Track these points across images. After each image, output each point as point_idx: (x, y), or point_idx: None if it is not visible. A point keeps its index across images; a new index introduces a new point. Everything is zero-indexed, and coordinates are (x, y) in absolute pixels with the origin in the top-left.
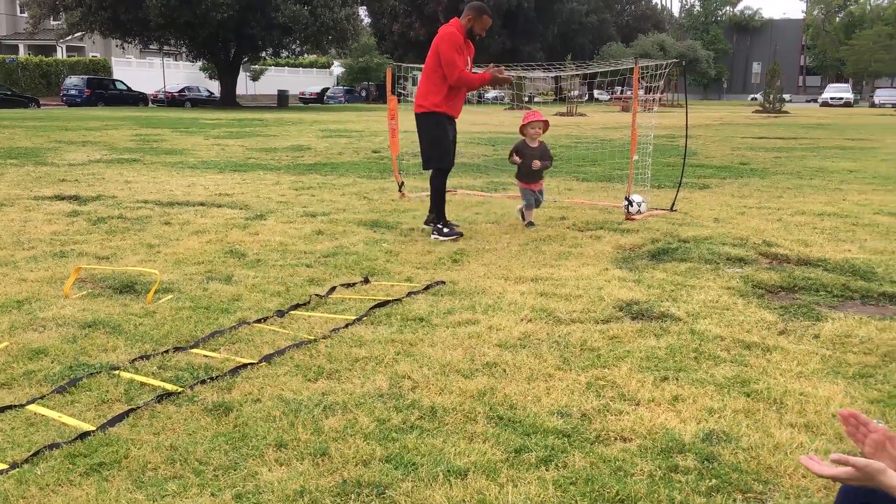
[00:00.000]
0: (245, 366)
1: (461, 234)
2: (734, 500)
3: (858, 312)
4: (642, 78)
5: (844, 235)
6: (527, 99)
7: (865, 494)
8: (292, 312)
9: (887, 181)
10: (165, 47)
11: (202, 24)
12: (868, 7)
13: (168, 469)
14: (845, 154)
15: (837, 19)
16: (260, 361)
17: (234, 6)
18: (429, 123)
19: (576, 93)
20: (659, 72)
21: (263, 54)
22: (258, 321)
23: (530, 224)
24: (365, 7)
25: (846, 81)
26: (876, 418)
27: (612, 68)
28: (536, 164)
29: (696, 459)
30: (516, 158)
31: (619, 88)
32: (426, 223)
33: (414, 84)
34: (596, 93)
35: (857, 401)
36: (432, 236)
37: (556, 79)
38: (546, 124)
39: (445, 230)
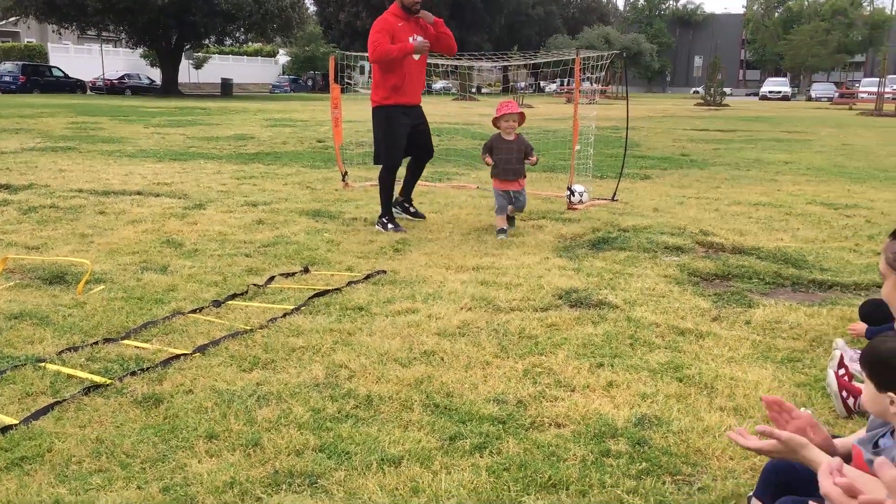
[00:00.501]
0: (178, 357)
1: (404, 231)
2: (663, 483)
3: (789, 299)
4: (584, 69)
5: (778, 225)
6: (474, 90)
7: (788, 472)
8: (229, 303)
9: (820, 172)
10: (104, 33)
11: (142, 10)
12: (805, 3)
13: (93, 462)
14: (781, 146)
15: (776, 15)
16: (193, 352)
17: None
18: (378, 118)
19: (522, 84)
20: (601, 63)
21: (206, 42)
22: (193, 311)
23: (502, 232)
24: None
25: (784, 75)
26: (803, 406)
27: (554, 59)
28: (532, 161)
29: (627, 444)
30: (488, 160)
31: (566, 80)
32: (394, 205)
33: (361, 73)
34: (543, 84)
35: (784, 384)
36: (375, 226)
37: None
38: (522, 116)
39: (390, 225)
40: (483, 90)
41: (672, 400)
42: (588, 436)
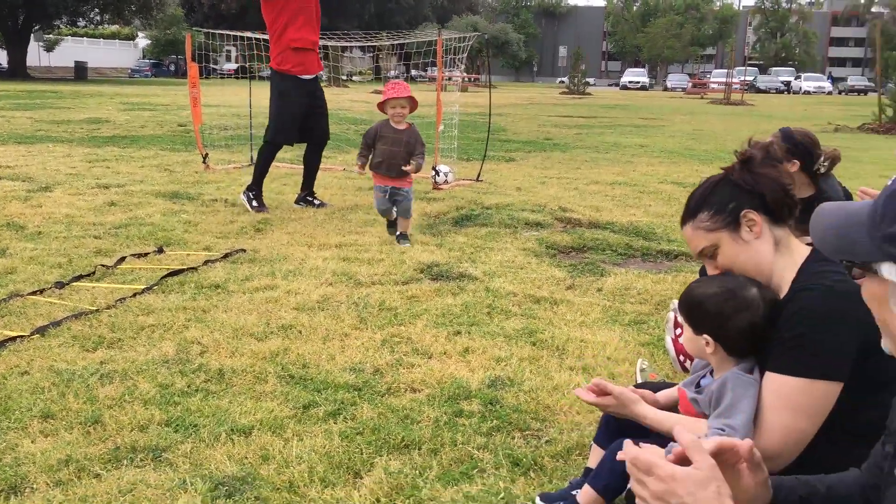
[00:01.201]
0: (14, 339)
1: (266, 211)
2: (513, 438)
3: (638, 268)
4: (448, 52)
5: (632, 202)
6: (345, 77)
7: (620, 419)
8: (74, 284)
9: (672, 155)
10: None
11: None
12: None
13: None
14: (638, 131)
15: (634, 8)
16: (32, 334)
17: None
18: (273, 86)
19: (393, 73)
20: (464, 44)
21: (58, 23)
22: (33, 293)
23: (402, 238)
24: None
25: (643, 67)
26: (643, 360)
27: (418, 39)
28: (411, 168)
29: (480, 404)
30: (360, 168)
31: (430, 67)
32: (297, 202)
33: (228, 60)
34: (414, 72)
35: (629, 344)
36: (241, 197)
37: (375, 58)
38: (413, 102)
39: (254, 203)
40: (354, 77)
41: (525, 362)
42: (442, 399)
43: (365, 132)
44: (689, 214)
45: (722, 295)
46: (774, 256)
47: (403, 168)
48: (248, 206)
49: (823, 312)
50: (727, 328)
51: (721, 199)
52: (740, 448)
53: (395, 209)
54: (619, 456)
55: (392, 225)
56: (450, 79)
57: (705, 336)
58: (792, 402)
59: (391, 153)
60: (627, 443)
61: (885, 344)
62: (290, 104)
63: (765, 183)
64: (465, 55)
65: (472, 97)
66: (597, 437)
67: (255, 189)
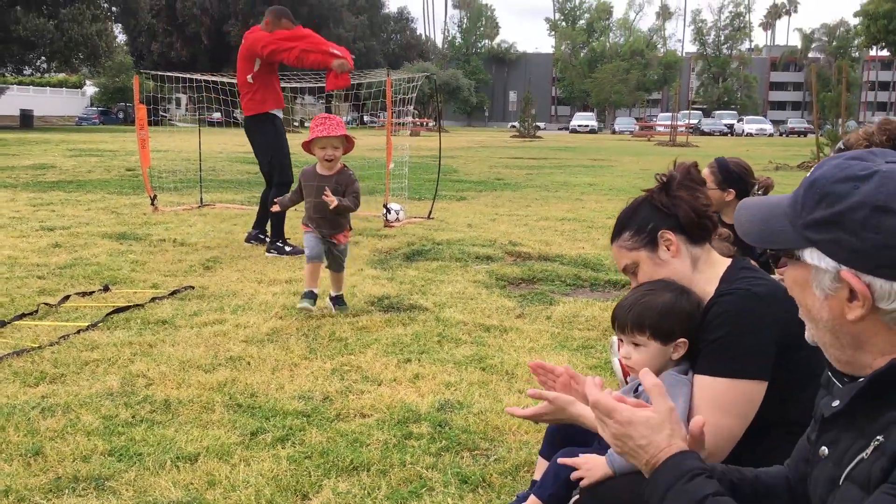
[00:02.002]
0: None
1: (302, 252)
2: (462, 458)
3: (587, 297)
4: (396, 94)
5: (581, 236)
6: (297, 123)
7: (567, 428)
8: (16, 323)
9: (620, 192)
10: None
11: None
12: (607, 44)
13: None
14: (587, 171)
15: (582, 55)
16: None
17: None
18: (263, 125)
19: (346, 118)
20: (412, 84)
21: (2, 71)
22: None
23: (308, 296)
24: (120, 24)
25: (592, 111)
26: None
27: (367, 80)
28: (331, 199)
29: (429, 426)
30: (285, 199)
31: (379, 112)
32: (247, 240)
33: (177, 107)
34: (366, 118)
35: (577, 367)
36: (268, 254)
37: (327, 102)
38: (349, 142)
39: (287, 248)
40: (306, 124)
41: (475, 387)
42: (392, 422)
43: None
44: (615, 234)
45: (678, 296)
46: (693, 274)
47: (324, 200)
48: (281, 254)
49: (742, 314)
50: (696, 322)
51: (642, 220)
52: (693, 425)
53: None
54: (563, 461)
55: (310, 296)
56: (402, 124)
57: (680, 340)
58: (718, 402)
59: (317, 206)
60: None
61: (808, 333)
62: (284, 137)
63: (679, 205)
64: (414, 96)
65: (424, 141)
66: (542, 450)
67: (280, 238)
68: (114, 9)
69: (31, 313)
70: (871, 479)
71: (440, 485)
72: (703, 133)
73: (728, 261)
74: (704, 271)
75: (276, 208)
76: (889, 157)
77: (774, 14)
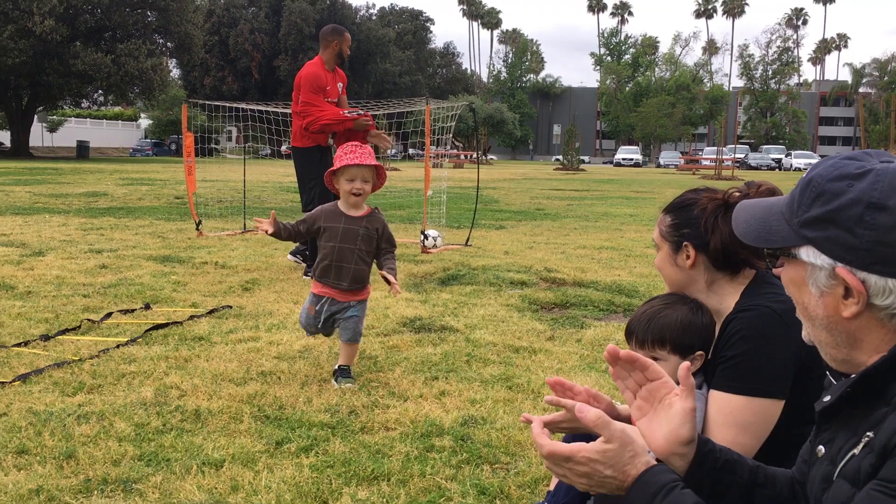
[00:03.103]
0: None
1: None
2: (482, 470)
3: (619, 322)
4: (435, 122)
5: (617, 264)
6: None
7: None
8: (60, 337)
9: None
10: None
11: None
12: (653, 79)
13: None
14: (629, 202)
15: (627, 89)
16: (14, 380)
17: (28, 51)
18: (310, 157)
19: (392, 151)
20: (451, 114)
21: (62, 104)
22: (17, 345)
23: (341, 374)
24: (174, 59)
25: (636, 144)
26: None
27: (407, 109)
28: (396, 288)
29: (452, 440)
30: (283, 225)
31: (435, 148)
32: (291, 253)
33: (228, 139)
34: (412, 151)
35: (604, 388)
36: (305, 276)
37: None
38: (381, 172)
39: None
40: None
41: (500, 404)
42: (415, 436)
43: (313, 211)
44: (666, 208)
45: (695, 310)
46: (707, 292)
47: (392, 293)
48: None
49: (762, 331)
50: (712, 336)
51: (682, 219)
52: (680, 370)
53: (326, 327)
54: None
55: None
56: (445, 156)
57: (698, 353)
58: (734, 419)
59: (341, 253)
60: (539, 437)
61: (805, 333)
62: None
63: (715, 233)
64: (453, 125)
65: (467, 173)
66: None
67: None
68: (169, 44)
69: (74, 329)
70: (861, 475)
71: (458, 495)
72: (749, 167)
73: (749, 274)
74: (718, 293)
75: (264, 227)
76: (884, 157)
77: (824, 49)
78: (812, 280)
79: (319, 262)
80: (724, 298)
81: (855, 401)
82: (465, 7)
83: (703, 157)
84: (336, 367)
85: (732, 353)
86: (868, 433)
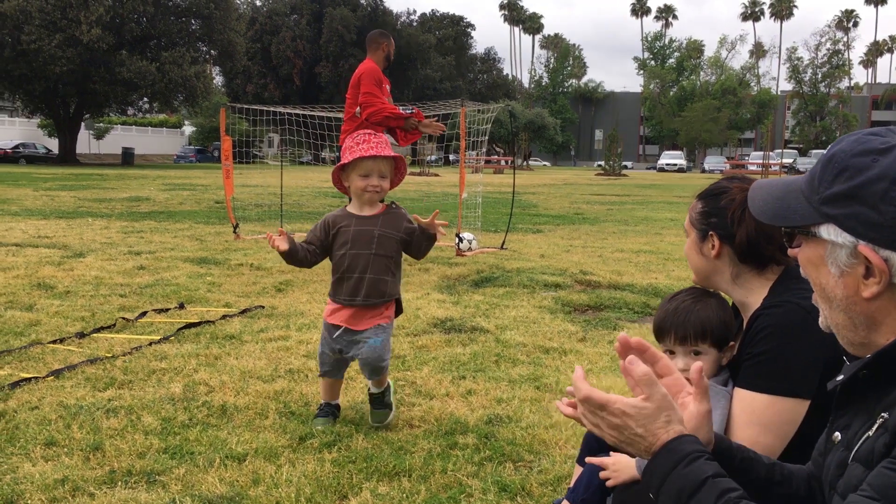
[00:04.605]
0: (29, 379)
1: None
2: (504, 468)
3: None
4: (471, 124)
5: (655, 267)
6: None
7: (602, 440)
8: (95, 335)
9: None
10: None
11: (38, 78)
12: (697, 83)
13: None
14: (670, 207)
15: (671, 93)
16: (47, 376)
17: (75, 60)
18: None
19: (433, 157)
20: (486, 115)
21: (107, 111)
22: (53, 342)
23: (378, 403)
24: (218, 67)
25: (680, 149)
26: None
27: (442, 111)
28: (435, 226)
29: (475, 438)
30: (297, 244)
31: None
32: None
33: (270, 146)
34: (451, 157)
35: None
36: None
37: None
38: (400, 164)
39: None
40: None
41: (526, 403)
42: (439, 433)
43: (316, 223)
44: (699, 194)
45: (722, 302)
46: (732, 284)
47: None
48: None
49: (790, 329)
50: (733, 329)
51: (712, 208)
52: (692, 372)
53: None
54: (591, 460)
55: (326, 411)
56: (484, 162)
57: (731, 344)
58: (759, 418)
59: (353, 260)
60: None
61: (822, 318)
62: None
63: (742, 227)
64: (489, 127)
65: (507, 178)
66: (579, 458)
67: None
68: (212, 52)
69: (108, 327)
70: (875, 455)
71: (479, 492)
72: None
73: (777, 270)
74: (744, 287)
75: (277, 243)
76: None
77: (876, 51)
78: (832, 259)
79: (335, 275)
80: (751, 293)
81: (870, 382)
82: (506, 12)
83: (750, 161)
84: (369, 391)
85: (758, 351)
86: (883, 414)
